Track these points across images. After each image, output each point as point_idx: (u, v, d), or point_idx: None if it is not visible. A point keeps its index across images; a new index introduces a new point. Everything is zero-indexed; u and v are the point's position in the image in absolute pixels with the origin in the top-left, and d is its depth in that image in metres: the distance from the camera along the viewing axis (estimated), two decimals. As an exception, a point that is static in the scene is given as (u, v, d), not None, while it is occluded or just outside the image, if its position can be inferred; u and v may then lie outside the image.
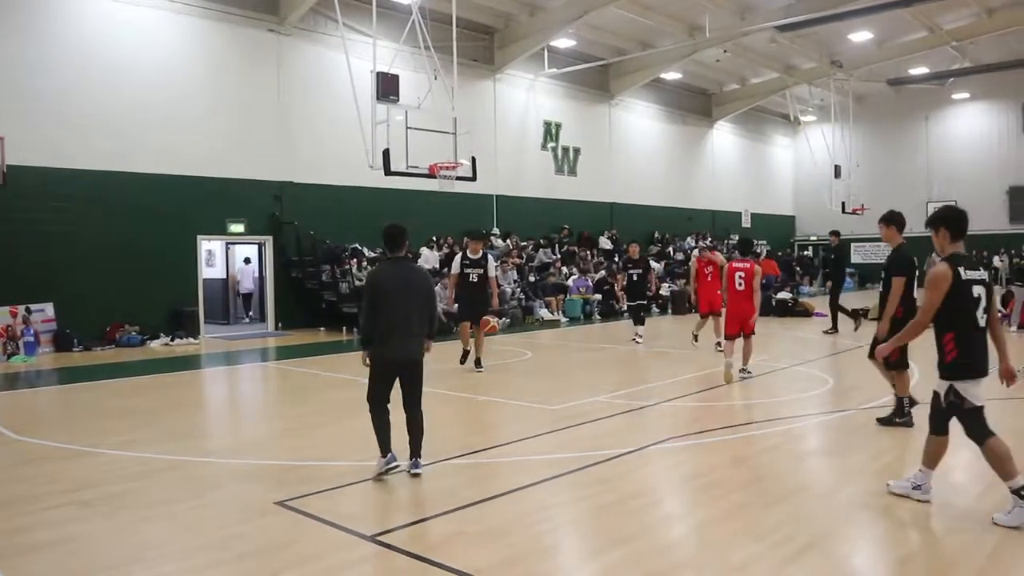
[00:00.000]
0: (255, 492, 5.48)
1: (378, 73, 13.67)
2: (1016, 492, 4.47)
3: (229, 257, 20.11)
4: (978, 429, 4.64)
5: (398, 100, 13.84)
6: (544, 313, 19.47)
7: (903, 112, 33.52)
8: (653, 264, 24.08)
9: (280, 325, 17.76)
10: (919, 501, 4.93)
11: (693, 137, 31.01)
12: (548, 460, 6.15)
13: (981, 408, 4.66)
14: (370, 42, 14.33)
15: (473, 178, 15.26)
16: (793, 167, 37.32)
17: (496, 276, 11.55)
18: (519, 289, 19.72)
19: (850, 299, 24.03)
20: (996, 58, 27.94)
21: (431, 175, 14.39)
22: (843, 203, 27.75)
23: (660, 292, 22.08)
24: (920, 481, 4.97)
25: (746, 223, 33.48)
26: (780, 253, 33.04)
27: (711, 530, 4.62)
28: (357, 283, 17.17)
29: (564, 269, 21.81)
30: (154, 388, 10.48)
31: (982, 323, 4.71)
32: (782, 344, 14.34)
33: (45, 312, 14.16)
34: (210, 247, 18.77)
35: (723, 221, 31.12)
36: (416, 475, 5.65)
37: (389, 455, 5.68)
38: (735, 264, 9.81)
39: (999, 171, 31.65)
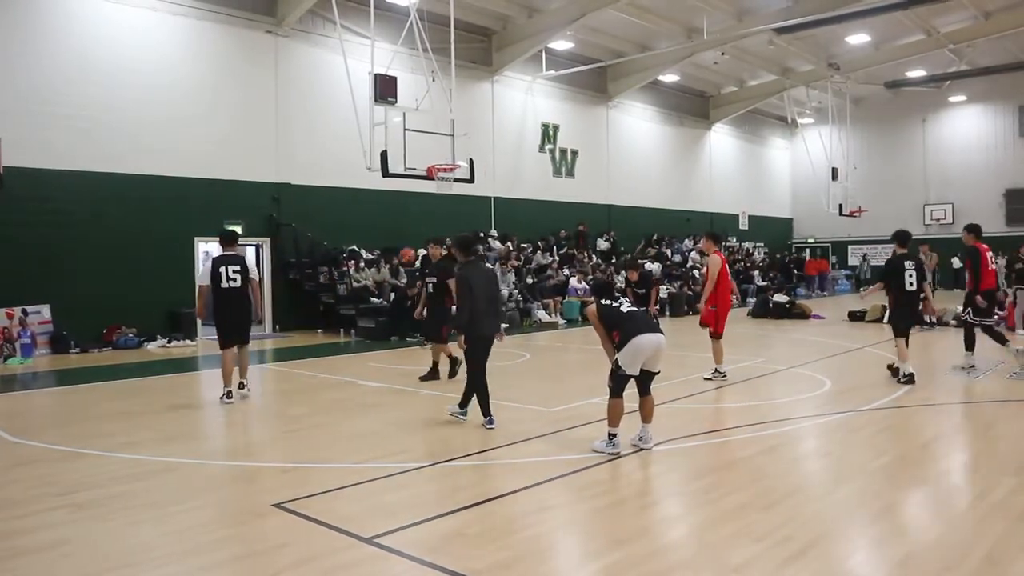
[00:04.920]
0: (252, 494, 5.47)
1: (376, 75, 13.68)
2: (611, 435, 6.27)
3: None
4: (616, 389, 6.31)
5: (396, 102, 13.85)
6: (542, 315, 19.46)
7: (900, 115, 33.60)
8: (653, 269, 24.19)
9: (278, 327, 17.73)
10: (611, 455, 6.19)
11: (691, 139, 31.05)
12: (546, 462, 6.14)
13: (628, 377, 6.27)
14: (368, 44, 14.35)
15: (471, 180, 15.27)
16: (790, 169, 37.37)
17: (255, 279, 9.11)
18: (517, 291, 19.71)
19: (847, 301, 24.10)
20: (993, 61, 28.03)
21: (429, 177, 14.39)
22: (840, 205, 27.79)
23: (659, 295, 22.08)
24: (610, 440, 6.30)
25: (744, 225, 33.53)
26: (778, 255, 33.10)
27: (710, 531, 4.61)
28: (355, 285, 17.15)
29: (565, 271, 21.79)
30: (151, 390, 10.45)
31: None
32: (779, 346, 14.35)
33: (42, 314, 14.13)
34: (207, 249, 18.70)
35: (720, 223, 31.14)
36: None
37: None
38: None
39: (996, 174, 31.72)
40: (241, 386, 9.22)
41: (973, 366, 10.35)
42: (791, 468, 6.15)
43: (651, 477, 5.98)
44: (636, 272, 12.96)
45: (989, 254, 10.48)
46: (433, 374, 10.37)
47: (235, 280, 8.90)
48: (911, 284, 9.56)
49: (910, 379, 9.34)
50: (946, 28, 24.93)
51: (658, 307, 16.51)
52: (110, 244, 15.08)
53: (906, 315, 9.72)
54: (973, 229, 10.54)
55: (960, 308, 11.11)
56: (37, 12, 14.34)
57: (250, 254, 18.98)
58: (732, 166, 33.60)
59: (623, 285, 14.83)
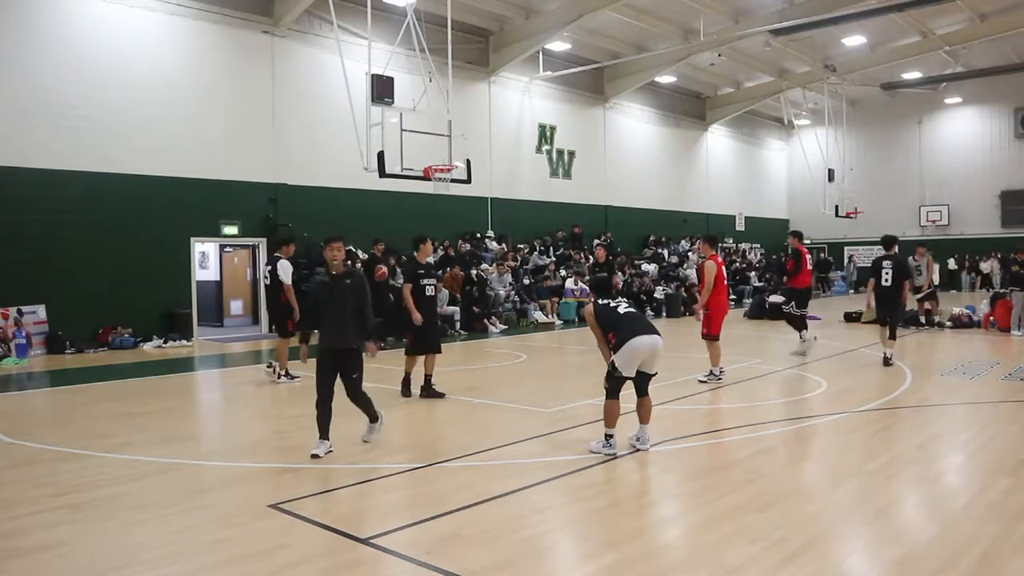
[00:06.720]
0: (248, 495, 5.46)
1: (373, 75, 13.65)
2: (607, 436, 6.30)
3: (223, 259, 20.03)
4: (612, 390, 6.33)
5: (393, 102, 13.82)
6: (539, 316, 19.47)
7: (896, 116, 33.68)
8: (647, 268, 24.26)
9: (273, 328, 17.63)
10: (608, 455, 6.21)
11: (687, 140, 31.08)
12: (542, 463, 6.14)
13: (624, 379, 6.29)
14: (365, 44, 14.33)
15: (468, 181, 15.24)
16: (787, 171, 37.43)
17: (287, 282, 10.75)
18: (513, 292, 19.71)
19: (843, 302, 24.16)
20: (989, 63, 28.13)
21: (426, 178, 14.37)
22: (836, 207, 27.84)
23: (654, 295, 22.14)
24: (607, 440, 6.33)
25: (740, 227, 33.56)
26: (774, 256, 33.12)
27: (706, 533, 4.62)
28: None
29: (562, 272, 21.79)
30: (147, 391, 10.44)
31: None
32: (776, 347, 14.36)
33: (37, 314, 14.10)
34: (204, 249, 18.70)
35: (717, 224, 31.19)
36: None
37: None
38: None
39: (991, 175, 31.83)
40: (271, 367, 11.01)
41: (807, 345, 12.10)
42: (787, 469, 6.16)
43: (647, 478, 5.99)
44: (604, 252, 13.22)
45: (808, 256, 12.43)
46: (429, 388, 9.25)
47: (267, 279, 11.15)
48: (886, 280, 11.17)
49: (886, 361, 10.91)
50: (942, 30, 25.01)
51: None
52: (106, 244, 15.04)
53: (881, 307, 11.32)
54: (797, 234, 12.88)
55: (782, 299, 13.24)
56: (32, 12, 14.30)
57: (247, 255, 19.01)
58: (729, 167, 33.63)
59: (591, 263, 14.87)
